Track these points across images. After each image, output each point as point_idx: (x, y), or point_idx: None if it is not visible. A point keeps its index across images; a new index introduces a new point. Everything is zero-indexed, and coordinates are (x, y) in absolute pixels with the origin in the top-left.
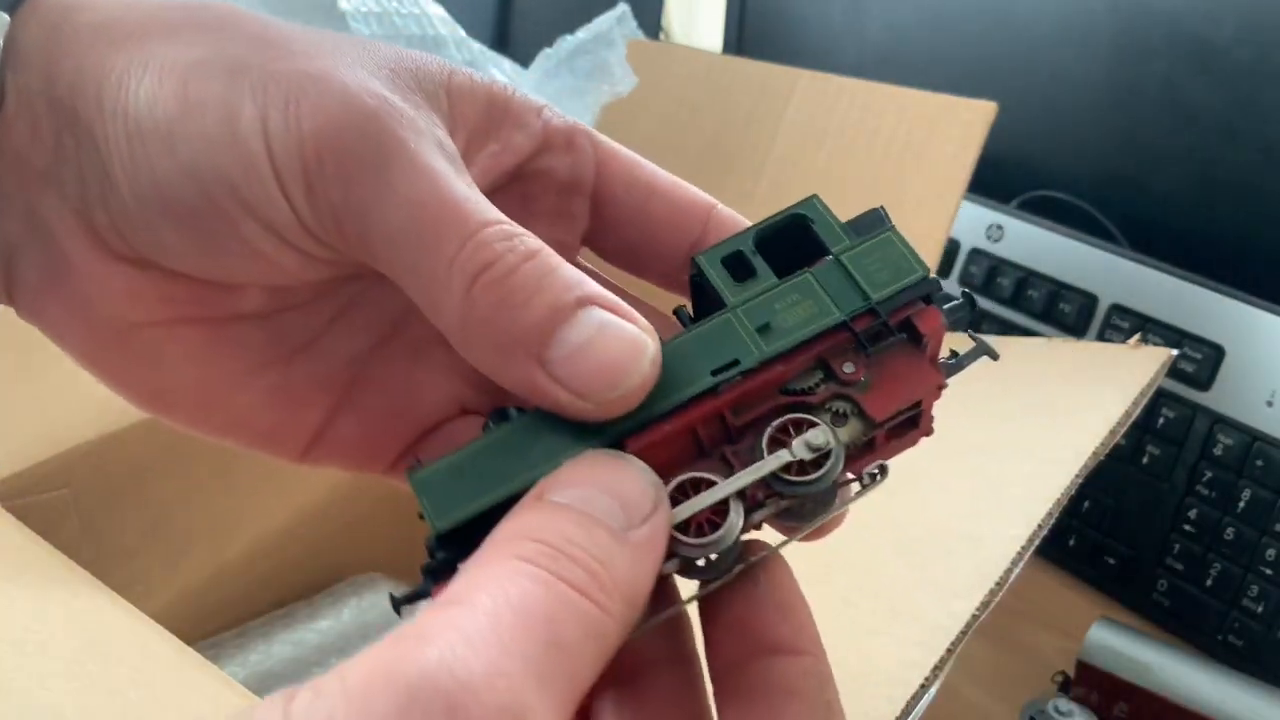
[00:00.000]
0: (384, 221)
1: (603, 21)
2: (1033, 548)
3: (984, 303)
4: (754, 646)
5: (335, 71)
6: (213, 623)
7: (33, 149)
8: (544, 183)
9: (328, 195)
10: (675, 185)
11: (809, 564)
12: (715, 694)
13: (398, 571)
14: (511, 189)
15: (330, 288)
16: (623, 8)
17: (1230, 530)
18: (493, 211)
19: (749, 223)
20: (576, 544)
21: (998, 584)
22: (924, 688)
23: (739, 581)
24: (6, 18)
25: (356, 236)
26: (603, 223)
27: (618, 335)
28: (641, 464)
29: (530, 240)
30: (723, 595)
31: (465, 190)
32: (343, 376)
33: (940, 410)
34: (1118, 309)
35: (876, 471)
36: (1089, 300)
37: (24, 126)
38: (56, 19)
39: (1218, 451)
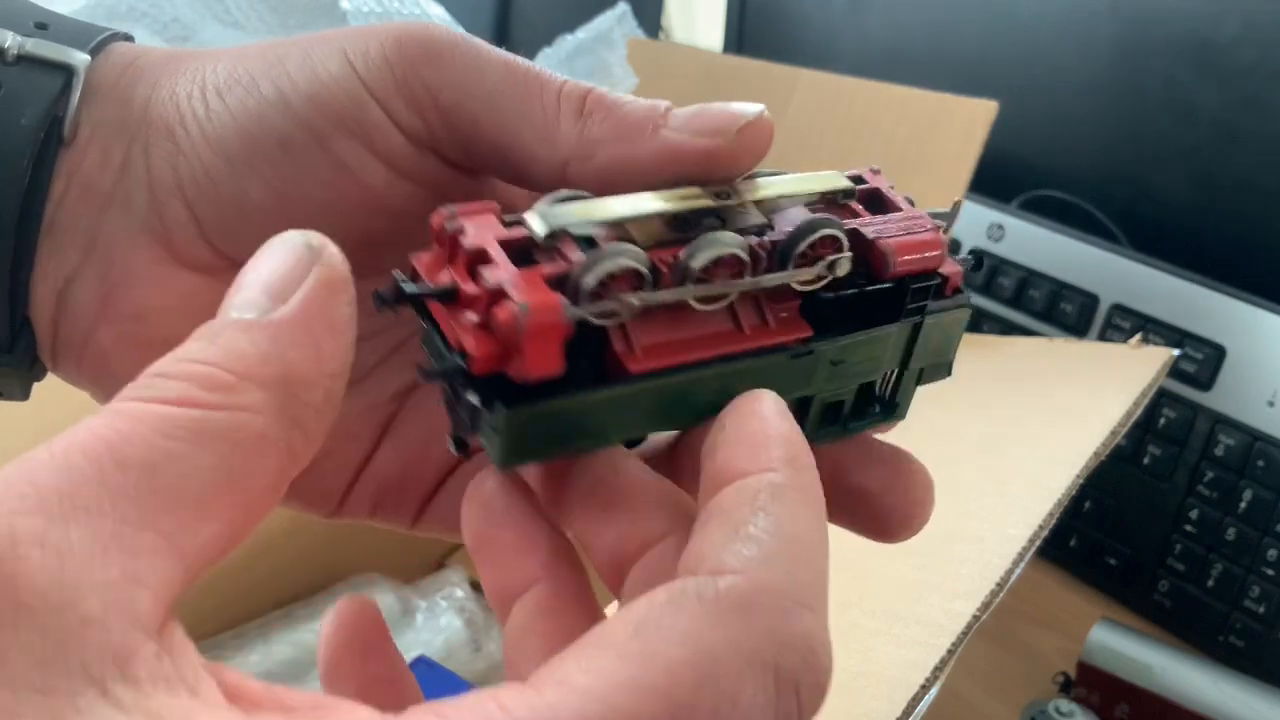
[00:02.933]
0: (481, 81)
1: (603, 21)
2: (1034, 548)
3: (984, 303)
4: (715, 483)
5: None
6: (213, 623)
7: (101, 175)
8: None
9: (419, 76)
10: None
11: None
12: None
13: (398, 571)
14: None
15: (385, 326)
16: (623, 7)
17: (1231, 531)
18: None
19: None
20: (184, 358)
21: (998, 584)
22: (925, 688)
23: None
24: (88, 57)
25: (453, 104)
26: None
27: (719, 104)
28: (297, 235)
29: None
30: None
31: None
32: (387, 411)
33: (941, 410)
34: (1119, 309)
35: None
36: (1090, 300)
37: (95, 154)
38: (130, 58)
39: (1219, 452)
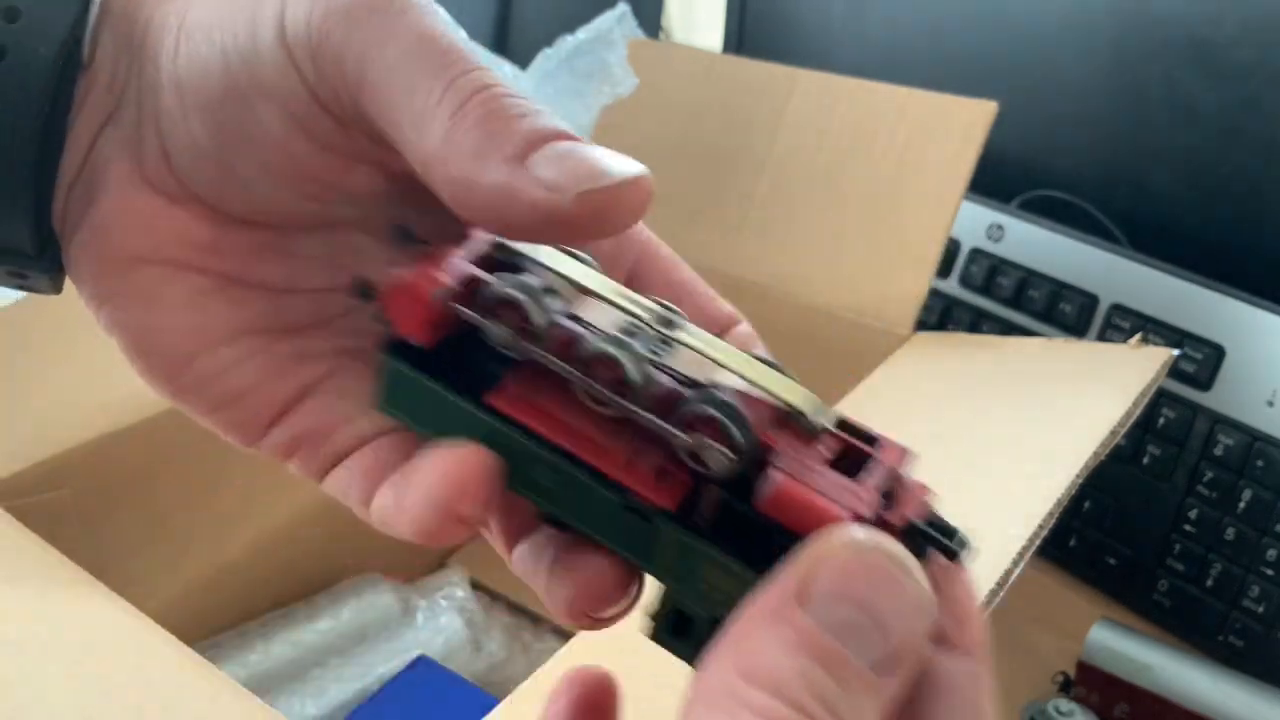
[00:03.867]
0: (384, 55)
1: (603, 21)
2: (1033, 548)
3: (984, 303)
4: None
5: None
6: (213, 623)
7: (108, 92)
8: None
9: (332, 40)
10: (708, 297)
11: None
12: None
13: (398, 571)
14: None
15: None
16: (623, 8)
17: (1231, 530)
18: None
19: (764, 352)
20: (828, 703)
21: (998, 584)
22: None
23: None
24: None
25: (355, 76)
26: None
27: (607, 152)
28: (913, 564)
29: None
30: None
31: (469, 42)
32: (322, 368)
33: (942, 410)
34: (1118, 309)
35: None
36: (1089, 300)
37: (104, 77)
38: None
39: (1218, 452)
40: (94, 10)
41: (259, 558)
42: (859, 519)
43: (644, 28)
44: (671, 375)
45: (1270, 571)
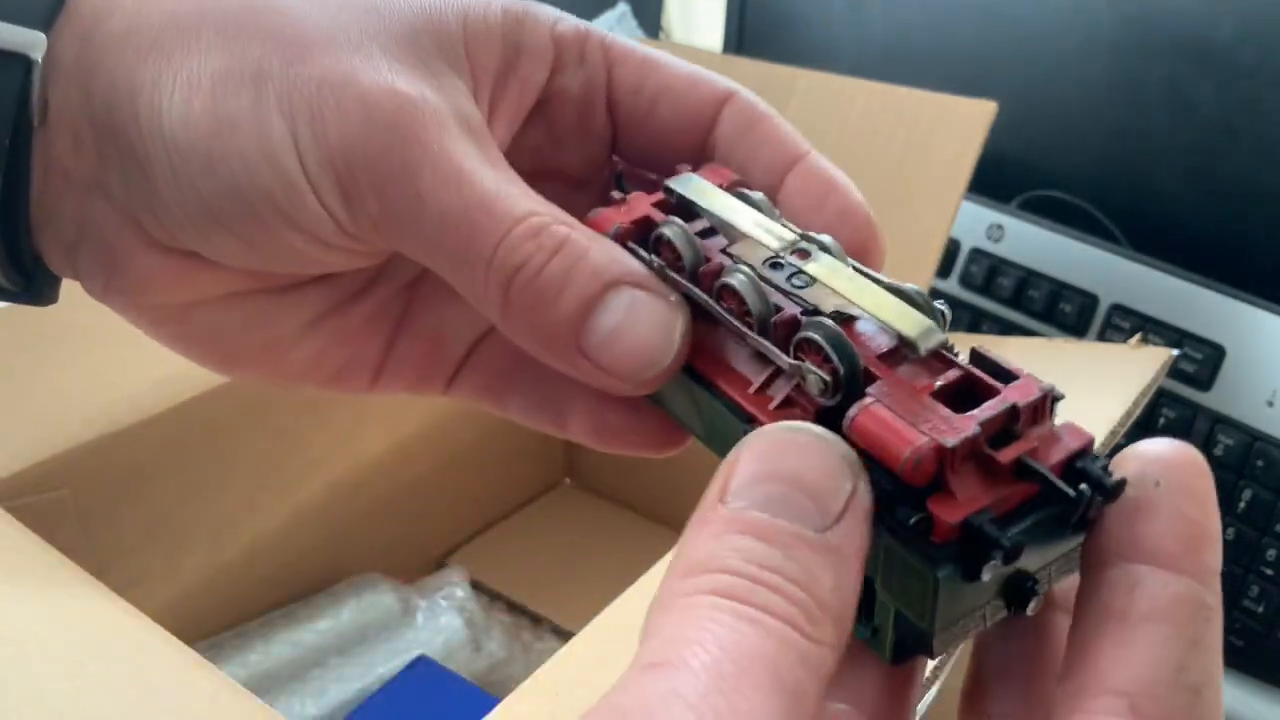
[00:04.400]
0: (419, 232)
1: (603, 22)
2: None
3: (984, 303)
4: (1124, 548)
5: (354, 75)
6: (213, 623)
7: (76, 160)
8: (563, 103)
9: (365, 207)
10: (689, 82)
11: None
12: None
13: (398, 571)
14: (536, 117)
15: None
16: (623, 8)
17: (1231, 531)
18: (520, 202)
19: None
20: (771, 566)
21: None
22: (925, 688)
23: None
24: (43, 36)
25: (399, 241)
26: (620, 130)
27: (649, 314)
28: (823, 432)
29: (556, 230)
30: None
31: (492, 186)
32: (396, 308)
33: None
34: (1118, 309)
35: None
36: (1089, 300)
37: (66, 138)
38: (89, 28)
39: (1218, 452)
40: (36, 78)
41: (259, 558)
42: (939, 450)
43: (644, 28)
44: (802, 304)
45: (1270, 571)
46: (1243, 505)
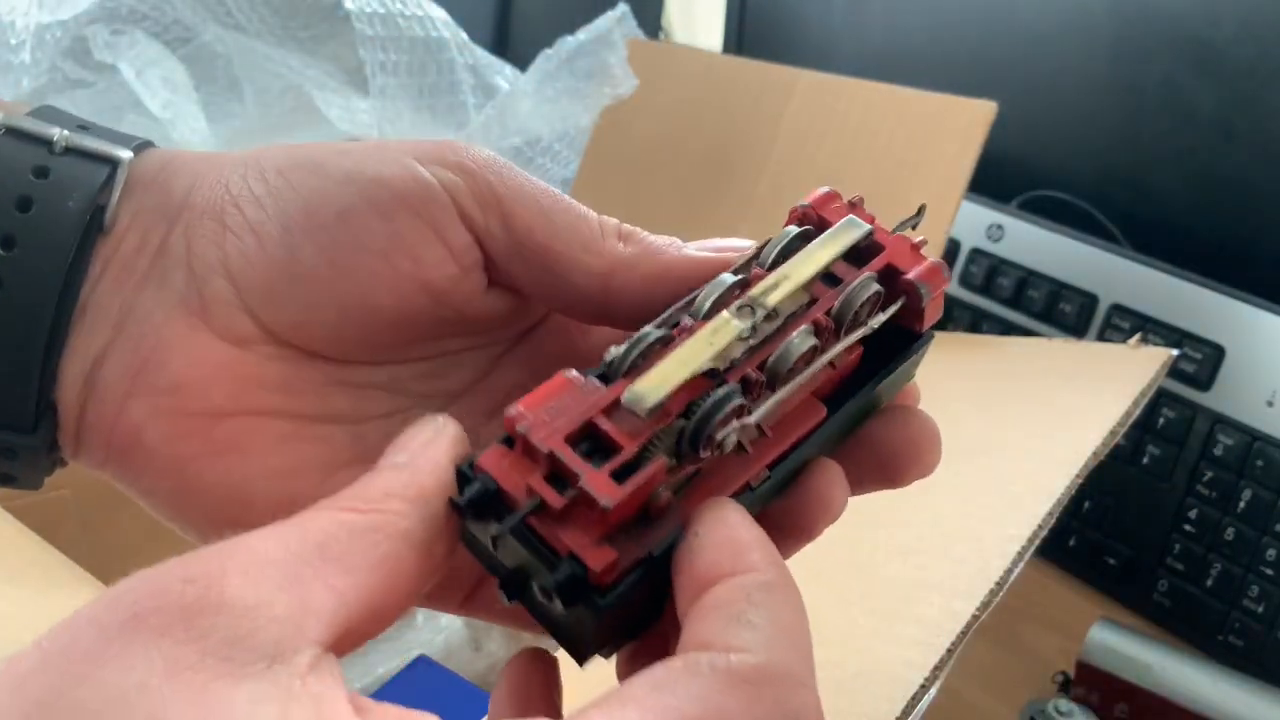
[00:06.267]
0: (537, 199)
1: (603, 22)
2: (1033, 548)
3: (984, 303)
4: (700, 584)
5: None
6: None
7: (138, 257)
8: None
9: (487, 179)
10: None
11: (809, 564)
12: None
13: None
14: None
15: (411, 403)
16: (623, 8)
17: (1230, 530)
18: None
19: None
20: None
21: (998, 584)
22: (924, 688)
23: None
24: (130, 152)
25: (512, 211)
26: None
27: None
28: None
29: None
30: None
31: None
32: None
33: (941, 410)
34: (1118, 309)
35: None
36: (1089, 300)
37: (134, 240)
38: (167, 158)
39: (1218, 451)
40: (121, 178)
41: None
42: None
43: (644, 28)
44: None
45: (1270, 571)
46: (1243, 505)
